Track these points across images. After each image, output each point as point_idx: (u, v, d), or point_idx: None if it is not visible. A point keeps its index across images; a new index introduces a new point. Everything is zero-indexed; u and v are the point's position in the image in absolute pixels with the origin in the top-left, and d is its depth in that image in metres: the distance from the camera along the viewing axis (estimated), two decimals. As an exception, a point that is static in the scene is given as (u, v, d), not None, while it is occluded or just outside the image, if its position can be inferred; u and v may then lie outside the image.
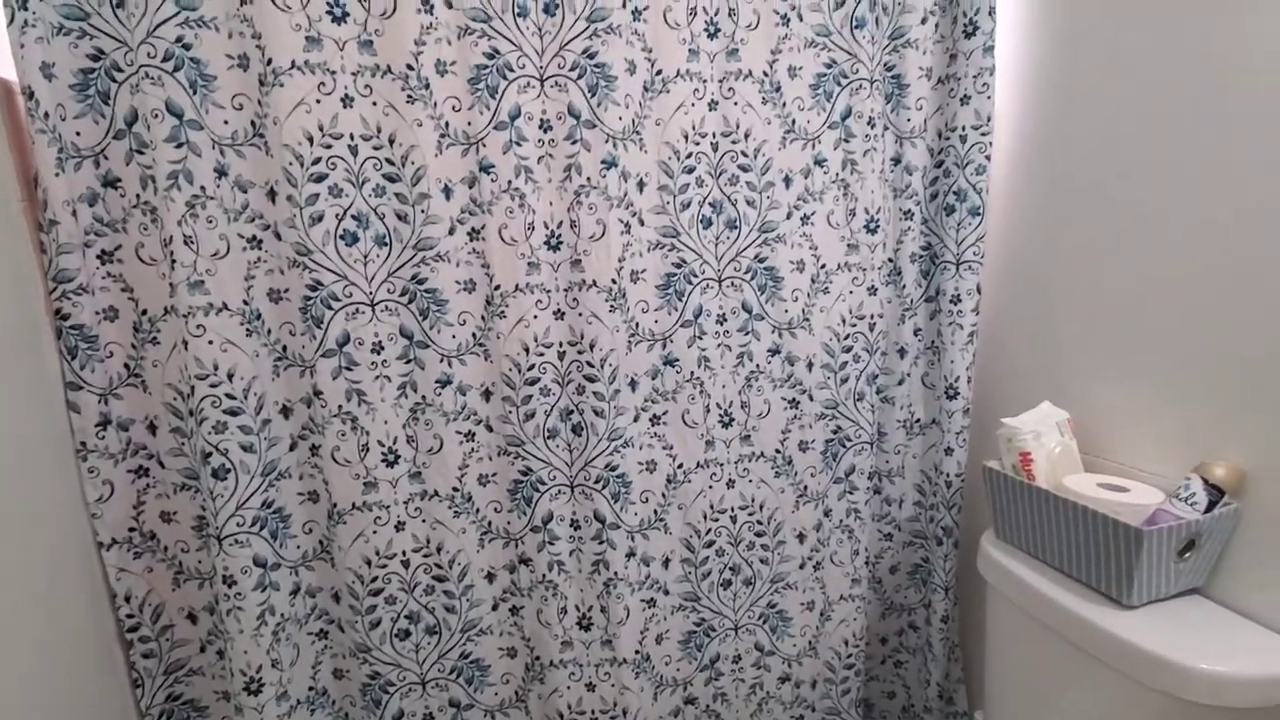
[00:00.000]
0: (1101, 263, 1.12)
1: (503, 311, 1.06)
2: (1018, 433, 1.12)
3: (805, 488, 1.27)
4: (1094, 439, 1.15)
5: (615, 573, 1.16)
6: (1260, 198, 0.90)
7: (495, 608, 1.17)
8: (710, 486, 1.22)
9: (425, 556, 1.11)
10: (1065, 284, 1.18)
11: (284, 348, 1.02)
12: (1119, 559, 0.96)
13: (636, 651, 1.22)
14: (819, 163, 1.17)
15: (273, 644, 1.04)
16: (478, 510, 1.13)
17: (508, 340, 1.07)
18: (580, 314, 1.08)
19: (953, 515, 1.34)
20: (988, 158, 1.20)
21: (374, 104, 0.97)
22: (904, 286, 1.27)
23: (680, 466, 1.20)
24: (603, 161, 1.04)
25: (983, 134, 1.18)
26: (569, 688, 1.20)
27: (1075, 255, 1.16)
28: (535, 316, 1.07)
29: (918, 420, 1.35)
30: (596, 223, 1.06)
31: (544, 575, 1.15)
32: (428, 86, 0.98)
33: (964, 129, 1.19)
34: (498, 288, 1.06)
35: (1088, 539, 1.00)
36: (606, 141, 1.04)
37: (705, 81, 1.10)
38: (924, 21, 1.18)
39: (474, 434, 1.10)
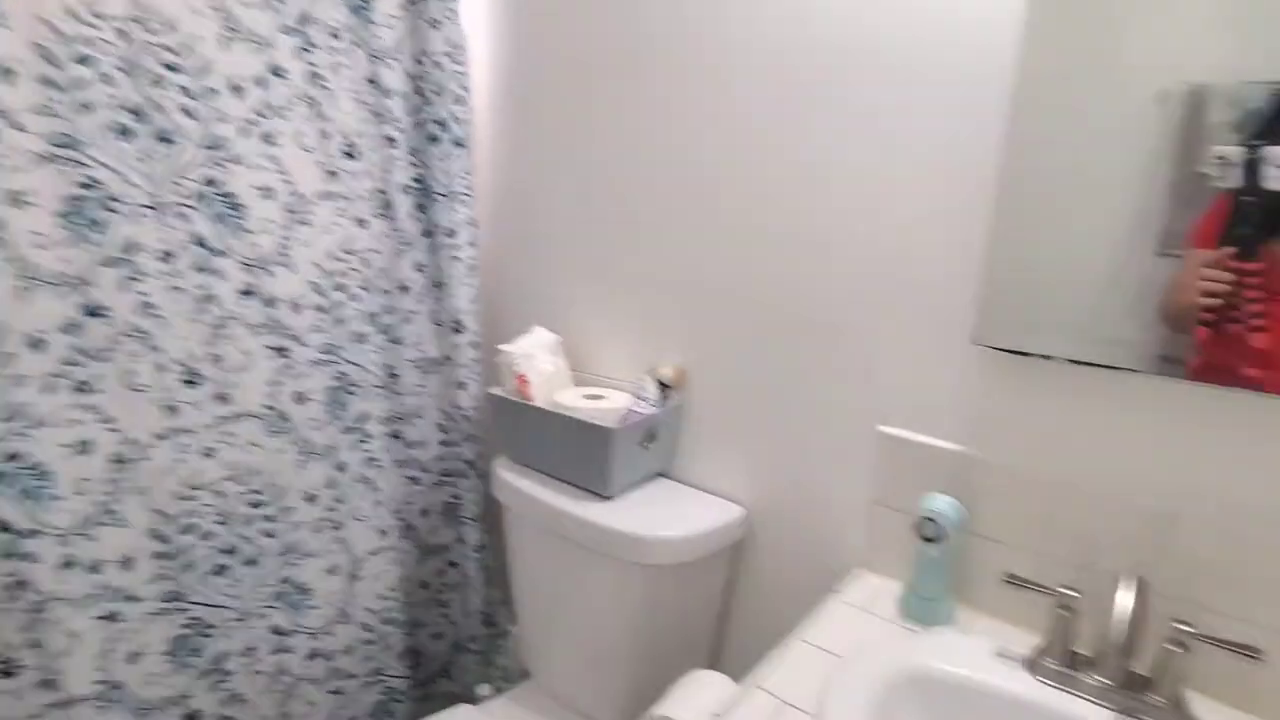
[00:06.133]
0: (574, 202, 1.22)
1: None
2: (513, 357, 1.17)
3: (310, 443, 1.15)
4: (581, 357, 1.27)
5: (39, 585, 0.89)
6: (683, 173, 1.08)
7: None
8: (182, 460, 1.01)
9: None
10: (549, 219, 1.26)
11: None
12: (598, 456, 1.07)
13: (97, 683, 0.96)
14: (276, 73, 1.02)
15: None
16: None
17: None
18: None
19: (472, 448, 1.36)
20: (464, 88, 1.20)
21: None
22: (398, 220, 1.22)
23: (133, 442, 0.96)
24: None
25: (456, 62, 1.17)
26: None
27: (554, 192, 1.24)
28: None
29: (430, 358, 1.33)
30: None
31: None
32: None
33: (438, 56, 1.16)
34: None
35: (576, 444, 1.09)
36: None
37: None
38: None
39: None
